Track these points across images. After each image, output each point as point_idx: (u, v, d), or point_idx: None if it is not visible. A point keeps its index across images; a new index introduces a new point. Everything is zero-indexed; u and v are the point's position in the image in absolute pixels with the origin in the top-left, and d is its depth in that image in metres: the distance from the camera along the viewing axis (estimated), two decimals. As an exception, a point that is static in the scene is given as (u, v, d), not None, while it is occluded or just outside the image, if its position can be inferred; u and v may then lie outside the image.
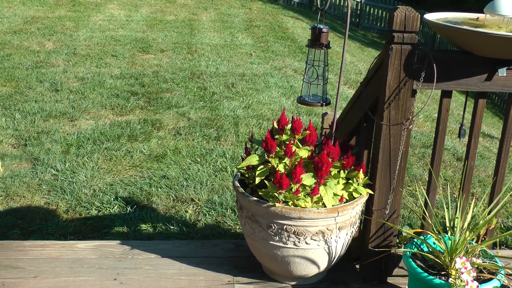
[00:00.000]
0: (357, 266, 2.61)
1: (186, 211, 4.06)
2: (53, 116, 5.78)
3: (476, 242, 2.30)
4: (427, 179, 4.83)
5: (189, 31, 10.68)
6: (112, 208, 4.05)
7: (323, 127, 3.05)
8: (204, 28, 11.13)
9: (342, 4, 17.14)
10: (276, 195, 2.18)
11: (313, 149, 2.36)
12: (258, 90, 7.19)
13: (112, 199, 4.15)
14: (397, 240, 2.49)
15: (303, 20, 14.64)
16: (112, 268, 2.40)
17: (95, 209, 4.03)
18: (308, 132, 2.38)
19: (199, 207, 4.13)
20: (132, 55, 8.58)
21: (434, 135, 2.47)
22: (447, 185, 4.42)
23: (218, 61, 8.56)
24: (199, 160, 4.89)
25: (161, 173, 4.60)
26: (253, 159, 2.32)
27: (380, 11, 17.78)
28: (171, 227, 3.83)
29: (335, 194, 2.25)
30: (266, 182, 2.23)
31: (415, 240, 2.29)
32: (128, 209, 4.05)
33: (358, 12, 17.55)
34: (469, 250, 2.19)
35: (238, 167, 2.37)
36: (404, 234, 2.40)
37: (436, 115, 6.97)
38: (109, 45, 9.12)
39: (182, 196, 4.25)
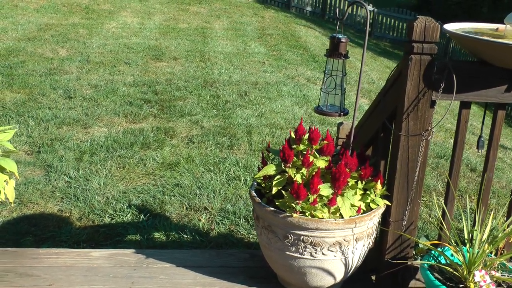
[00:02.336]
0: (373, 278, 2.58)
1: (199, 220, 4.05)
2: (66, 123, 5.80)
3: (495, 255, 2.27)
4: (441, 190, 4.82)
5: (202, 39, 10.71)
6: (125, 216, 4.05)
7: (339, 136, 3.03)
8: (217, 36, 11.16)
9: (355, 13, 17.13)
10: (293, 205, 2.17)
11: (331, 159, 2.35)
12: (271, 98, 7.19)
13: (125, 207, 4.15)
14: (414, 252, 2.46)
15: (316, 29, 14.65)
16: (126, 277, 2.39)
17: (108, 216, 4.03)
18: (325, 142, 2.36)
19: (212, 216, 4.12)
20: (145, 62, 8.61)
21: (452, 146, 2.45)
22: (461, 196, 4.38)
23: (231, 69, 8.57)
24: (212, 168, 4.89)
25: (174, 181, 4.60)
26: (270, 169, 2.30)
27: (392, 20, 17.74)
28: (184, 235, 3.82)
29: (352, 205, 2.23)
30: (283, 192, 2.22)
31: (433, 252, 2.26)
32: (141, 217, 4.04)
33: (371, 21, 17.53)
34: (488, 263, 2.16)
35: (255, 176, 2.36)
36: (421, 246, 2.38)
37: (449, 125, 6.93)
38: (122, 52, 9.16)
39: (195, 205, 4.24)
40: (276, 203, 2.23)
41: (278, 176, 2.28)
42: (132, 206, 4.16)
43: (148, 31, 11.00)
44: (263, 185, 2.39)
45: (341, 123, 3.11)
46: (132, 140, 5.39)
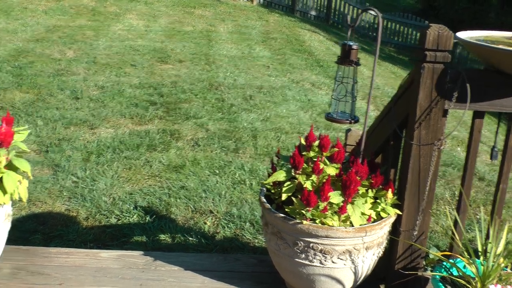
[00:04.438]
0: (382, 287, 2.58)
1: (205, 223, 4.06)
2: (73, 123, 5.82)
3: (511, 269, 2.26)
4: (448, 198, 4.82)
5: (207, 42, 10.72)
6: (132, 217, 4.06)
7: (347, 143, 3.03)
8: (221, 40, 11.18)
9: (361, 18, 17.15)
10: (304, 212, 2.17)
11: (341, 166, 2.35)
12: (275, 103, 7.20)
13: (132, 208, 4.16)
14: (424, 263, 2.46)
15: (320, 33, 14.66)
16: (135, 279, 2.40)
17: (114, 217, 4.04)
18: (336, 149, 2.37)
19: (217, 219, 4.12)
20: (150, 65, 8.62)
21: (460, 154, 2.45)
22: (470, 205, 4.37)
23: (236, 72, 8.58)
24: (217, 172, 4.89)
25: (180, 183, 4.60)
26: (280, 175, 2.31)
27: (397, 25, 17.76)
28: (190, 238, 3.83)
29: (362, 213, 2.23)
30: (293, 198, 2.22)
31: (444, 263, 2.25)
32: (147, 218, 4.05)
33: (376, 26, 17.53)
34: (504, 277, 2.15)
35: (264, 182, 2.36)
36: (431, 256, 2.37)
37: (456, 133, 6.90)
38: (128, 54, 9.18)
39: (200, 208, 4.24)
40: (286, 210, 2.23)
41: (288, 183, 2.29)
42: (138, 208, 4.16)
43: (154, 34, 11.02)
44: (272, 191, 2.39)
45: (349, 130, 3.12)
46: (138, 142, 5.40)
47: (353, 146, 2.97)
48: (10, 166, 2.17)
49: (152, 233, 3.87)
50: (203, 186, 4.59)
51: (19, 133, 2.24)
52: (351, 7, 17.08)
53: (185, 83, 7.67)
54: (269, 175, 2.38)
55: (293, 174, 2.30)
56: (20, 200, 2.22)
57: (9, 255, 2.35)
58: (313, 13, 17.51)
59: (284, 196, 2.24)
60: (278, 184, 2.36)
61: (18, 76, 7.44)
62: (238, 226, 4.06)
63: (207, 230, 3.99)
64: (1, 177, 2.11)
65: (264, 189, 2.43)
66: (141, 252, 2.52)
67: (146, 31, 11.17)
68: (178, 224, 4.03)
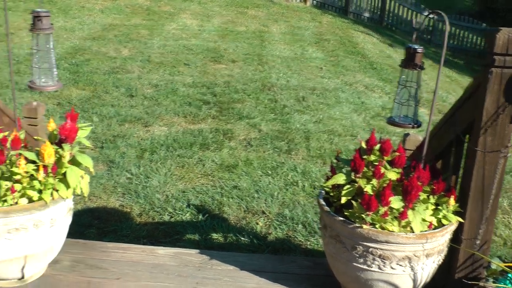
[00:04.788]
0: (440, 295, 2.52)
1: (257, 223, 4.06)
2: (128, 120, 5.92)
3: None
4: (506, 207, 4.67)
5: (260, 43, 10.75)
6: (184, 215, 4.10)
7: (406, 148, 2.98)
8: (274, 40, 11.18)
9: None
10: (363, 216, 2.14)
11: (402, 171, 2.31)
12: (329, 105, 7.15)
13: (185, 206, 4.20)
14: (485, 273, 2.39)
15: (373, 35, 14.47)
16: (191, 277, 2.42)
17: (167, 214, 4.09)
18: (397, 154, 2.33)
19: (269, 220, 4.12)
20: (204, 64, 8.71)
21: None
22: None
23: (289, 73, 8.57)
24: (270, 172, 4.89)
25: (232, 183, 4.62)
26: (340, 178, 2.28)
27: (453, 28, 17.36)
28: (242, 238, 3.84)
29: (423, 220, 2.18)
30: (353, 202, 2.19)
31: (509, 275, 2.19)
32: (200, 217, 4.08)
33: (430, 28, 17.20)
34: None
35: (324, 185, 2.34)
36: (494, 267, 2.30)
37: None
38: (182, 53, 9.29)
39: (253, 208, 4.25)
40: (345, 213, 2.20)
41: (348, 186, 2.26)
42: (191, 206, 4.20)
43: (207, 33, 11.12)
44: (331, 193, 2.37)
45: (407, 134, 3.06)
46: (191, 140, 5.45)
47: (412, 151, 2.92)
48: (73, 161, 2.22)
49: (204, 231, 3.90)
50: (256, 186, 4.60)
51: (82, 129, 2.29)
52: (405, 9, 16.80)
53: (238, 83, 7.71)
54: (328, 178, 2.36)
55: (353, 177, 2.27)
56: (82, 194, 2.27)
57: (68, 248, 2.41)
58: (366, 15, 17.31)
59: (343, 199, 2.22)
60: (337, 187, 2.34)
61: (74, 73, 7.63)
62: (290, 227, 4.05)
63: (259, 230, 3.99)
64: (65, 172, 2.16)
65: (323, 191, 2.41)
66: (197, 251, 2.54)
67: (200, 31, 11.29)
68: (230, 224, 4.04)
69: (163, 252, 2.52)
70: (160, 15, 12.61)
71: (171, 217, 4.08)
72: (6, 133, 2.32)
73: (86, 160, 2.21)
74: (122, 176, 4.61)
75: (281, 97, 7.21)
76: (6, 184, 2.09)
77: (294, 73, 8.63)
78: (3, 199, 2.07)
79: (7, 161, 2.19)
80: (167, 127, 5.85)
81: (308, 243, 3.90)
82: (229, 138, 5.64)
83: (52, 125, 2.29)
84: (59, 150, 2.20)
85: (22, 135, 2.29)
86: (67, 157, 2.17)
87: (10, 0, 12.95)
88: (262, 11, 14.28)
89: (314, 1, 16.76)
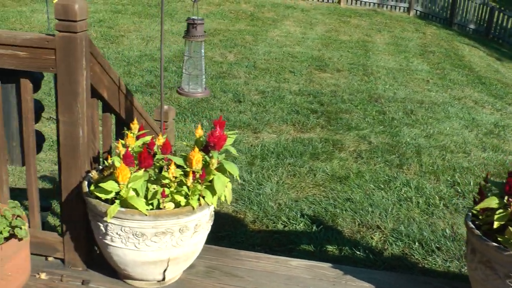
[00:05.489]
0: None
1: (372, 238, 3.98)
2: (237, 126, 6.01)
3: None
4: None
5: (364, 53, 10.61)
6: (298, 225, 4.09)
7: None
8: (378, 51, 11.01)
9: (510, 26, 16.04)
10: (518, 243, 2.03)
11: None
12: (438, 119, 6.93)
13: (298, 216, 4.19)
14: None
15: (480, 48, 13.93)
16: (326, 292, 2.39)
17: (281, 223, 4.09)
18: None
19: (384, 236, 4.03)
20: (309, 72, 8.70)
21: None
22: None
23: (395, 85, 8.39)
24: (382, 186, 4.79)
25: (345, 195, 4.56)
26: (492, 202, 2.17)
27: None
28: (357, 252, 3.77)
29: None
30: (510, 228, 2.08)
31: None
32: (314, 228, 4.06)
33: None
34: None
35: (474, 208, 2.24)
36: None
37: None
38: (287, 61, 9.33)
39: (367, 222, 4.17)
40: (499, 239, 2.10)
41: (501, 210, 2.15)
42: (305, 216, 4.19)
43: (311, 41, 11.12)
44: (480, 217, 2.26)
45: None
46: (301, 150, 5.45)
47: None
48: (219, 168, 2.25)
49: (319, 243, 3.87)
50: (369, 200, 4.51)
51: (228, 137, 2.32)
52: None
53: (344, 93, 7.64)
54: (476, 200, 2.25)
55: (505, 202, 2.15)
56: (225, 202, 2.30)
57: (202, 253, 2.44)
58: (471, 26, 16.68)
59: (496, 224, 2.11)
60: (487, 211, 2.23)
61: (182, 76, 7.83)
62: (406, 244, 3.94)
63: (374, 245, 3.91)
64: (212, 179, 2.19)
65: (470, 214, 2.31)
66: (330, 265, 2.51)
67: (303, 38, 11.31)
68: (344, 237, 3.99)
69: (296, 263, 2.50)
70: (264, 21, 12.75)
71: (285, 226, 4.08)
72: (149, 138, 2.39)
73: (232, 168, 2.24)
74: (235, 181, 4.67)
75: (389, 109, 7.07)
76: (154, 187, 2.15)
77: (401, 85, 8.45)
78: (150, 202, 2.13)
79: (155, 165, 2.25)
80: (276, 135, 5.88)
81: (426, 262, 3.78)
82: (338, 149, 5.58)
83: (199, 132, 2.34)
84: (206, 156, 2.24)
85: (164, 140, 2.35)
86: (215, 164, 2.21)
87: (119, 3, 13.58)
88: (365, 20, 14.12)
89: (418, 12, 16.37)
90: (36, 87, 2.51)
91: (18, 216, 2.10)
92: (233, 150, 2.30)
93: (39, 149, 2.51)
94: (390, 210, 4.38)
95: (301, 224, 4.11)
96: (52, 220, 3.94)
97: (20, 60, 2.24)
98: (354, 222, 4.18)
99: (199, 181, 2.17)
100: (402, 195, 4.68)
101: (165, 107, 3.42)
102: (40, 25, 10.63)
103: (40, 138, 2.57)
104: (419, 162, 5.42)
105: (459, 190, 4.89)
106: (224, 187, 2.22)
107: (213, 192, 2.22)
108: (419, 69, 9.88)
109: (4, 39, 2.21)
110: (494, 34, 16.62)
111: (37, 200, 2.40)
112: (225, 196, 2.25)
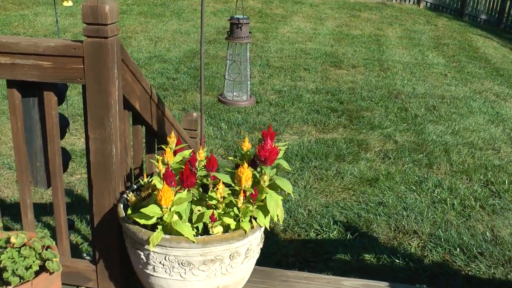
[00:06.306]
0: None
1: (410, 244, 3.80)
2: (257, 128, 5.81)
3: None
4: None
5: (377, 47, 10.38)
6: (331, 233, 3.90)
7: None
8: (391, 45, 10.77)
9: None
10: None
11: None
12: (461, 114, 6.71)
13: (331, 223, 4.00)
14: None
15: (493, 39, 13.65)
16: (382, 314, 2.19)
17: (313, 231, 3.91)
18: None
19: (422, 241, 3.84)
20: (324, 69, 8.48)
21: None
22: None
23: (413, 80, 8.17)
24: (414, 188, 4.59)
25: (376, 199, 4.37)
26: None
27: None
28: (396, 260, 3.59)
29: None
30: None
31: None
32: (348, 235, 3.87)
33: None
34: None
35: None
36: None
37: None
38: (300, 58, 9.12)
39: (403, 227, 3.98)
40: None
41: None
42: (338, 223, 4.00)
43: (322, 37, 10.89)
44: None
45: None
46: (326, 151, 5.25)
47: None
48: (271, 185, 2.05)
49: (355, 251, 3.69)
50: (402, 203, 4.32)
51: (279, 149, 2.11)
52: (526, 10, 15.75)
53: (362, 90, 7.42)
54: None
55: None
56: (278, 222, 2.09)
57: (246, 277, 2.24)
58: (483, 17, 16.39)
59: None
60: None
61: (195, 77, 7.64)
62: (446, 250, 3.75)
63: (413, 252, 3.72)
64: (265, 198, 1.99)
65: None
66: (386, 284, 2.31)
67: (315, 34, 11.07)
68: (381, 243, 3.80)
69: (349, 283, 2.30)
70: (273, 18, 12.51)
71: (318, 234, 3.89)
72: (188, 153, 2.19)
73: (285, 185, 2.02)
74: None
75: (410, 106, 6.85)
76: (199, 209, 1.95)
77: (419, 80, 8.22)
78: (195, 225, 1.93)
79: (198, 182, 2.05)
80: (298, 136, 5.68)
81: (469, 269, 3.59)
82: (364, 149, 5.38)
83: (247, 145, 2.12)
84: (255, 172, 2.04)
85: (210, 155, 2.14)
86: (267, 181, 2.00)
87: (123, 3, 13.38)
88: (375, 14, 13.86)
89: (428, 3, 16.10)
90: (60, 100, 2.31)
91: (48, 246, 1.91)
92: (285, 164, 2.08)
93: (64, 168, 2.31)
94: (425, 213, 4.18)
95: (335, 232, 3.92)
96: (73, 237, 3.76)
97: (43, 70, 2.02)
98: (389, 228, 3.98)
99: (251, 200, 1.96)
100: (436, 196, 4.48)
101: (194, 114, 3.22)
102: (44, 29, 10.43)
103: (66, 156, 2.39)
104: (448, 161, 5.21)
105: (494, 189, 4.69)
106: (277, 206, 2.01)
107: (265, 212, 2.00)
108: (435, 62, 9.64)
109: (24, 47, 1.98)
110: (506, 24, 16.33)
111: (65, 225, 2.21)
112: (277, 216, 2.03)
